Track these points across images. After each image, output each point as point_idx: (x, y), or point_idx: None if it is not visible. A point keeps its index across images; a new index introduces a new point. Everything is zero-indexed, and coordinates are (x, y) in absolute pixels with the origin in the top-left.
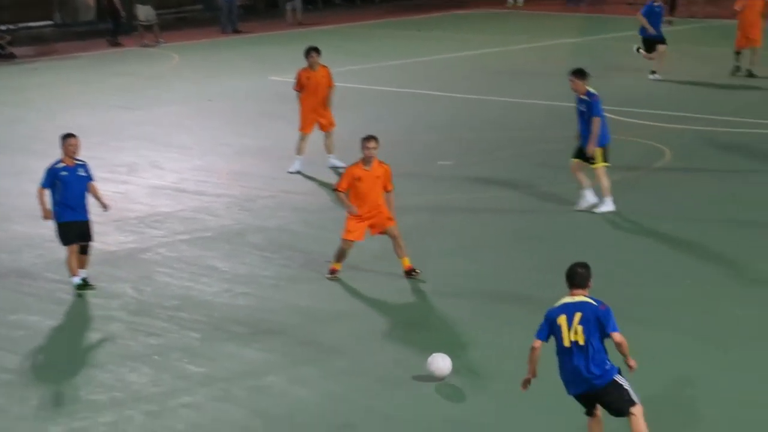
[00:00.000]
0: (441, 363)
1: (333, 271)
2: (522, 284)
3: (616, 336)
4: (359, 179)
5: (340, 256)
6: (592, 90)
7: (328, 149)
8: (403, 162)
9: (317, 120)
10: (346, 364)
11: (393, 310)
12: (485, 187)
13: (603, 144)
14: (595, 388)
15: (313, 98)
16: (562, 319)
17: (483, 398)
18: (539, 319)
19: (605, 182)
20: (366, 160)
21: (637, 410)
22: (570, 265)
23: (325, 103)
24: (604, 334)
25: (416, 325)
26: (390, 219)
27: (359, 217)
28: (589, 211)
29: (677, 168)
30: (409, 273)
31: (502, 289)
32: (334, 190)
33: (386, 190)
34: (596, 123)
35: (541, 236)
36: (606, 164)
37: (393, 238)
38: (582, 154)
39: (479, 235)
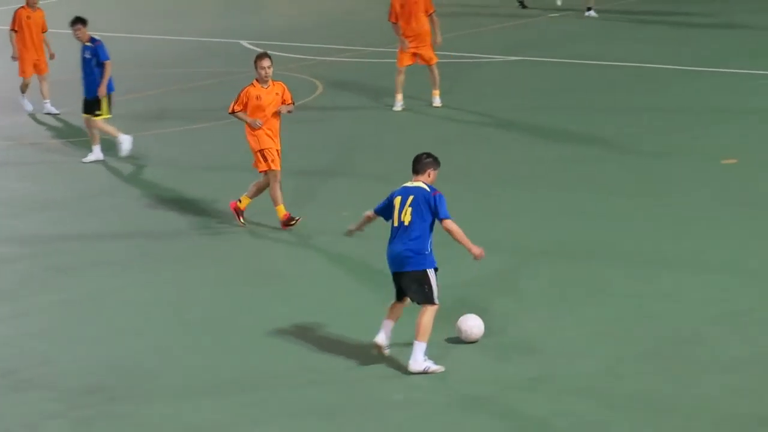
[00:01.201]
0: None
1: (237, 210)
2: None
3: (447, 223)
4: (258, 98)
5: (260, 188)
6: (96, 36)
7: (44, 94)
8: None
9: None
10: None
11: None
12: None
13: (110, 92)
14: (404, 269)
15: (30, 40)
16: (397, 200)
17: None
18: None
19: (107, 129)
20: (261, 80)
21: (432, 308)
22: (416, 155)
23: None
24: (435, 220)
25: None
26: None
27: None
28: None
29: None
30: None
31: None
32: (230, 113)
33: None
34: (107, 66)
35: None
36: (108, 116)
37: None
38: (89, 108)
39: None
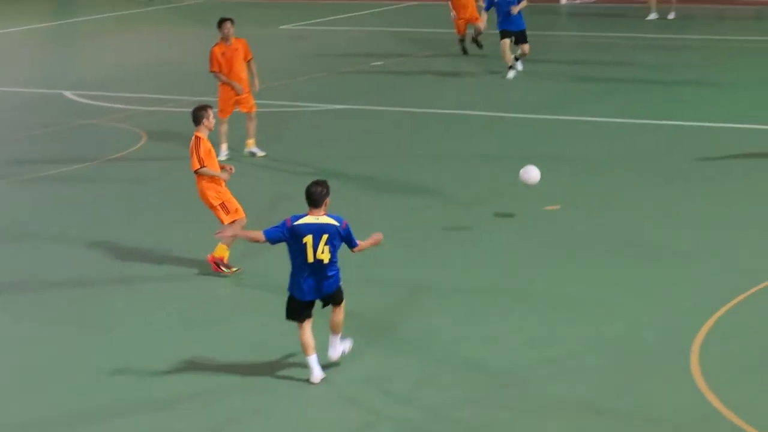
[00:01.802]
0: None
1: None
2: None
3: (357, 249)
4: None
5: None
6: None
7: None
8: None
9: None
10: None
11: None
12: None
13: None
14: (327, 293)
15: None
16: (308, 239)
17: None
18: None
19: None
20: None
21: (343, 304)
22: (308, 186)
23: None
24: (349, 248)
25: None
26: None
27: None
28: None
29: (154, 152)
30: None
31: None
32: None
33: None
34: None
35: None
36: None
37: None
38: None
39: None
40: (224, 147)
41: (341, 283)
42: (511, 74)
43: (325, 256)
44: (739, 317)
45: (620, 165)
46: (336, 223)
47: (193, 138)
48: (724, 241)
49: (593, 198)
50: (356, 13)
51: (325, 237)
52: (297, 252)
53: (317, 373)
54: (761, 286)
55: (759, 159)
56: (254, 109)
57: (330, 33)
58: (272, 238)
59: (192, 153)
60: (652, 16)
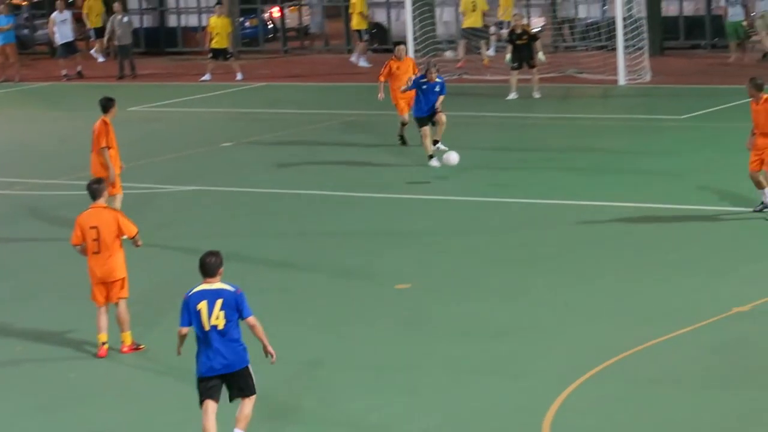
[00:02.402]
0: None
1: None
2: None
3: (251, 320)
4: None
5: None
6: None
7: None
8: None
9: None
10: None
11: None
12: None
13: None
14: (231, 370)
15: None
16: (202, 306)
17: None
18: None
19: None
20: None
21: (253, 397)
22: (201, 256)
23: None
24: (240, 317)
25: None
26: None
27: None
28: None
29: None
30: None
31: None
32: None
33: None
34: None
35: None
36: None
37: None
38: None
39: None
40: None
41: (249, 366)
42: (434, 162)
43: (219, 322)
44: (588, 394)
45: (469, 243)
46: (231, 288)
47: (115, 213)
48: (570, 319)
49: (443, 276)
50: (207, 95)
51: (219, 302)
52: (195, 324)
53: None
54: (609, 362)
55: (600, 235)
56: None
57: (180, 114)
58: (183, 323)
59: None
60: (512, 95)
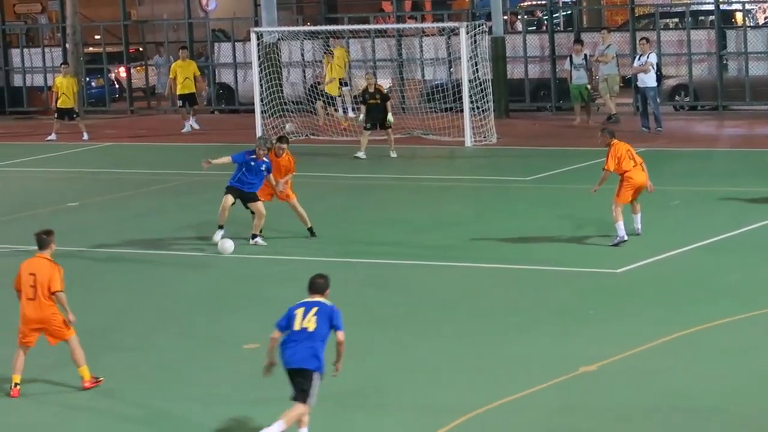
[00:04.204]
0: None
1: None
2: None
3: (340, 334)
4: None
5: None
6: None
7: None
8: None
9: None
10: None
11: None
12: None
13: None
14: (299, 366)
15: None
16: (299, 311)
17: None
18: None
19: None
20: None
21: (302, 407)
22: (311, 277)
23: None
24: (331, 329)
25: None
26: None
27: None
28: None
29: None
30: None
31: None
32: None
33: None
34: None
35: None
36: None
37: None
38: None
39: None
40: None
41: (316, 374)
42: (217, 236)
43: (310, 325)
44: None
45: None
46: (328, 303)
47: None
48: (413, 379)
49: None
50: (52, 154)
51: (314, 309)
52: (289, 326)
53: None
54: (455, 423)
55: (443, 296)
56: None
57: (23, 174)
58: (282, 326)
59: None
60: (360, 154)
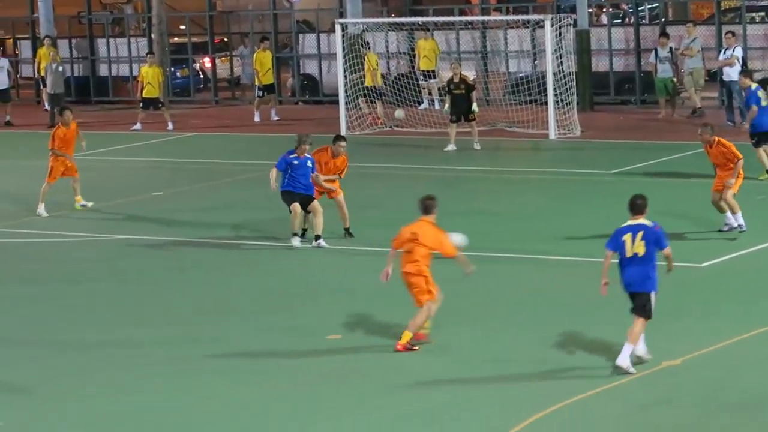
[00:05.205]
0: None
1: None
2: None
3: (667, 250)
4: None
5: None
6: None
7: None
8: None
9: None
10: None
11: None
12: None
13: None
14: (639, 290)
15: None
16: (627, 237)
17: None
18: None
19: None
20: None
21: (643, 322)
22: (631, 197)
23: None
24: (658, 248)
25: None
26: None
27: None
28: None
29: None
30: None
31: None
32: None
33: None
34: None
35: None
36: None
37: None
38: None
39: None
40: None
41: (651, 294)
42: (295, 242)
43: (640, 250)
44: None
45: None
46: (649, 224)
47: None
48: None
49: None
50: (138, 144)
51: (640, 233)
52: (620, 253)
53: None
54: (537, 415)
55: (531, 288)
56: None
57: (112, 163)
58: (609, 246)
59: None
60: (450, 147)
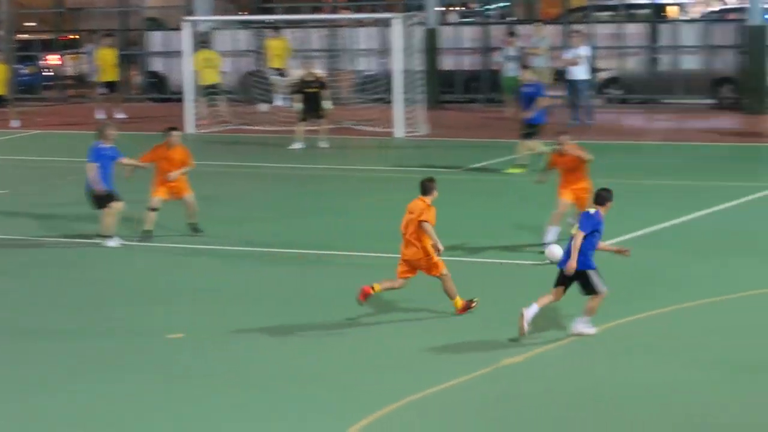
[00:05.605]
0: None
1: None
2: None
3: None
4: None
5: None
6: None
7: None
8: None
9: None
10: None
11: None
12: None
13: None
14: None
15: None
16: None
17: None
18: None
19: None
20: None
21: (597, 298)
22: (597, 190)
23: None
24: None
25: None
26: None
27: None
28: None
29: None
30: None
31: None
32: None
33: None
34: None
35: None
36: None
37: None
38: None
39: None
40: None
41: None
42: (111, 243)
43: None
44: None
45: (245, 297)
46: (592, 211)
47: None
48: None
49: (216, 329)
50: None
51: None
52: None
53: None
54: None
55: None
56: None
57: None
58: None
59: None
60: (298, 145)
